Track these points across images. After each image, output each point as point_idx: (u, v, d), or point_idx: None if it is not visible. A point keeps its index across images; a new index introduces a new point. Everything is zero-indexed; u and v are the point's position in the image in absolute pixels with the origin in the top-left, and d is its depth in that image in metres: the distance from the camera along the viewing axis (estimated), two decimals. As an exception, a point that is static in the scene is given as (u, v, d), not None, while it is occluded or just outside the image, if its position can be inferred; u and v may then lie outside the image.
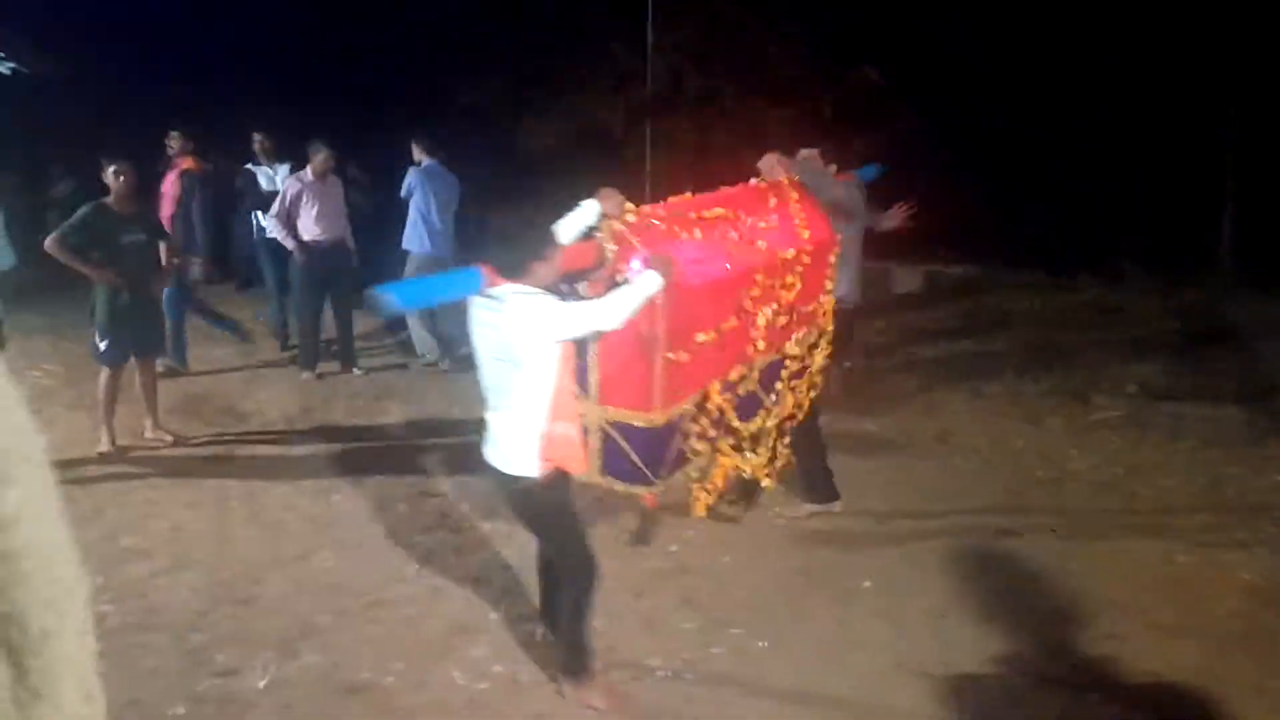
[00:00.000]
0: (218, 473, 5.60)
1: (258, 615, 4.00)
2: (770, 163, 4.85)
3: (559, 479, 3.28)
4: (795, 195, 4.54)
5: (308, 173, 7.55)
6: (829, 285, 4.69)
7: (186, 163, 7.82)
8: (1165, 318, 9.03)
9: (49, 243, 5.58)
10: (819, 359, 4.69)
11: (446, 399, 7.10)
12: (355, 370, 7.80)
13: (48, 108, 12.59)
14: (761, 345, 4.14)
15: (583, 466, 3.43)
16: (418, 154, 8.04)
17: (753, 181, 4.63)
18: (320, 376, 7.61)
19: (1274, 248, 11.36)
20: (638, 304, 3.27)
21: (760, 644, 3.80)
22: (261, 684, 3.50)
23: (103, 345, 5.80)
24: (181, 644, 3.75)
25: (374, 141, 8.99)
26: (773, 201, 4.40)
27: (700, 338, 3.67)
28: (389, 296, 3.15)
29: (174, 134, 8.04)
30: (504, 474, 3.26)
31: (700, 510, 4.38)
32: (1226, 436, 6.10)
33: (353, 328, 7.95)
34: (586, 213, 3.58)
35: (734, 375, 4.01)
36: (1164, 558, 4.52)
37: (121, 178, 5.77)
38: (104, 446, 5.82)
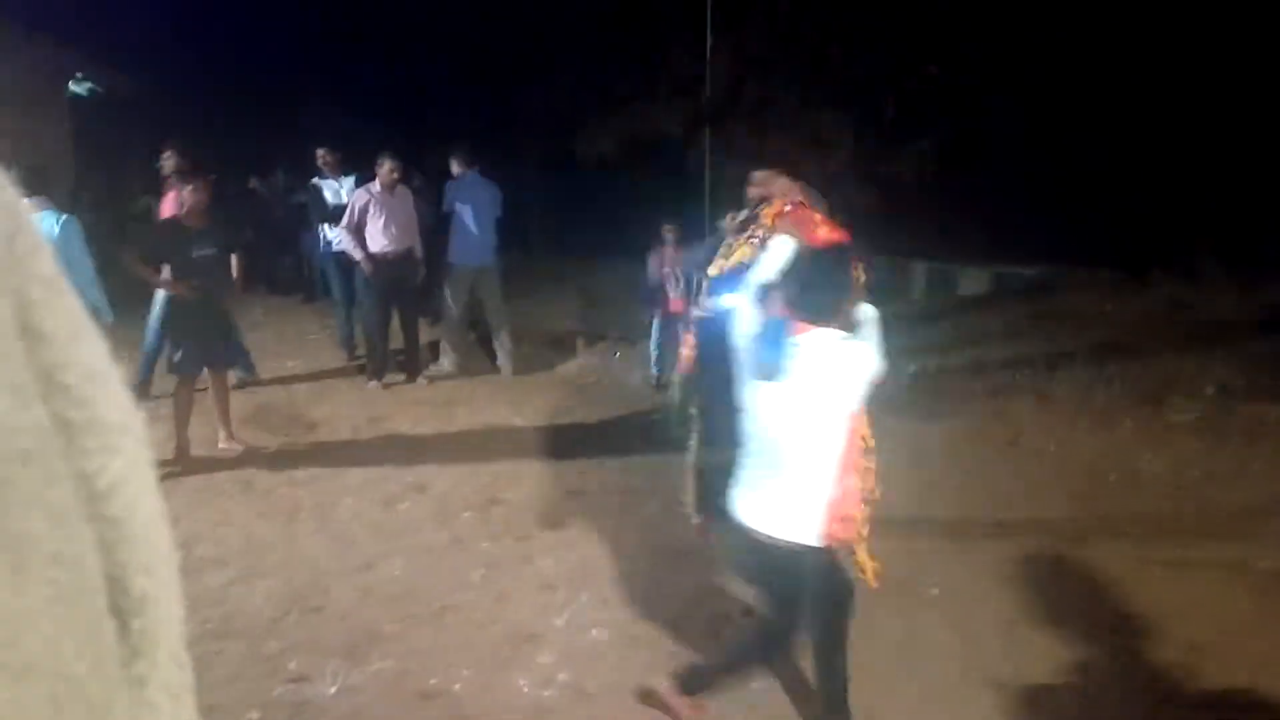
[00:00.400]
0: (288, 482, 5.72)
1: (328, 623, 4.07)
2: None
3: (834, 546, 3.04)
4: None
5: (376, 184, 7.67)
6: None
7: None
8: (1243, 315, 8.75)
9: (124, 256, 5.76)
10: None
11: (511, 407, 7.17)
12: (421, 380, 7.91)
13: (125, 127, 13.00)
14: None
15: (851, 530, 3.15)
16: (456, 167, 8.18)
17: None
18: (387, 386, 7.73)
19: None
20: None
21: (826, 652, 3.77)
22: (332, 690, 3.56)
23: (176, 356, 5.95)
24: (255, 651, 3.84)
25: (437, 151, 9.13)
26: None
27: None
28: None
29: (168, 153, 7.49)
30: (773, 539, 2.96)
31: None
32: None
33: (419, 338, 8.06)
34: None
35: None
36: (1242, 564, 4.38)
37: (194, 192, 5.93)
38: (175, 455, 5.99)
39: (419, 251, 7.92)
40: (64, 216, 5.76)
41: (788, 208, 3.55)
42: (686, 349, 3.98)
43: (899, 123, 10.87)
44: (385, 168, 7.65)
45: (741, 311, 3.19)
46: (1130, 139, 12.18)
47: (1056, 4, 11.49)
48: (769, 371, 2.92)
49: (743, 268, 3.49)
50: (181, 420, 6.02)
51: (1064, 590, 4.20)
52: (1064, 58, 11.89)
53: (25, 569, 0.38)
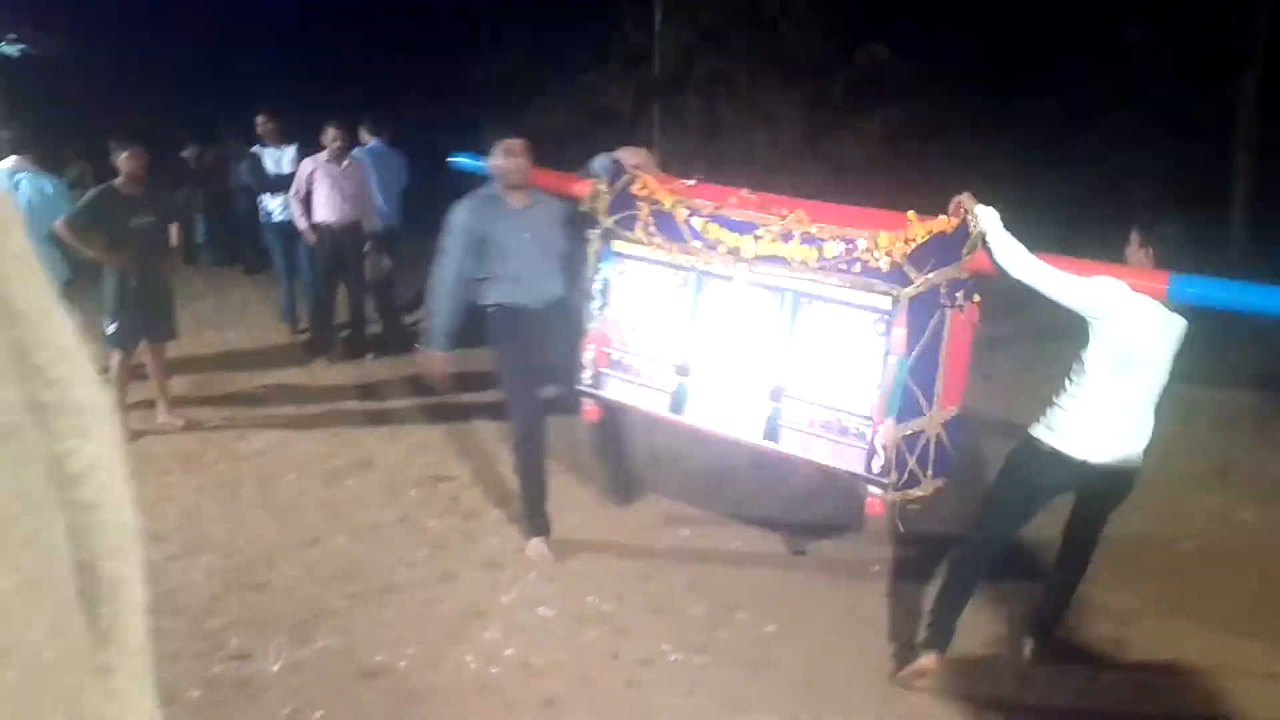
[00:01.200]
0: (230, 457, 5.64)
1: (271, 600, 4.04)
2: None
3: None
4: None
5: (323, 154, 7.56)
6: None
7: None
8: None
9: (58, 226, 5.60)
10: None
11: (459, 383, 7.11)
12: (367, 356, 7.83)
13: (57, 89, 12.61)
14: None
15: None
16: (363, 135, 8.19)
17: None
18: (332, 361, 7.65)
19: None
20: None
21: (768, 628, 3.83)
22: (276, 667, 3.54)
23: (111, 328, 5.82)
24: (196, 628, 3.80)
25: (389, 119, 8.99)
26: None
27: None
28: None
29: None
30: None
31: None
32: (1237, 420, 6.09)
33: (364, 312, 7.97)
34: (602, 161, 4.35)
35: None
36: (1171, 542, 4.52)
37: (129, 159, 5.78)
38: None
39: (369, 223, 7.82)
40: (52, 179, 5.68)
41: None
42: None
43: (848, 102, 10.92)
44: (328, 135, 7.52)
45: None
46: (1072, 122, 12.39)
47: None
48: None
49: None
50: (120, 394, 5.90)
51: (1004, 564, 4.29)
52: (1009, 42, 12.03)
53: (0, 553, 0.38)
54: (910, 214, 3.60)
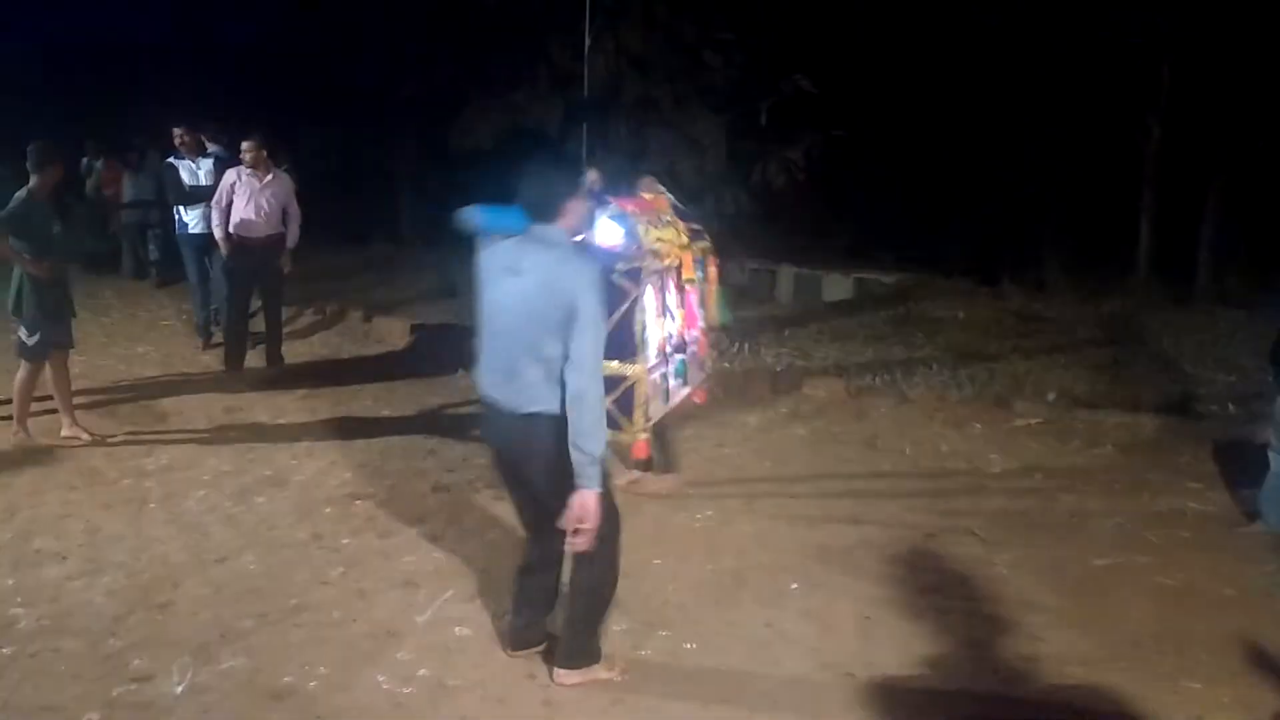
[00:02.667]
0: (136, 473, 5.46)
1: (176, 619, 3.90)
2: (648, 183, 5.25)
3: None
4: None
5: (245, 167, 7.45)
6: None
7: None
8: (1085, 327, 9.28)
9: None
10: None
11: (375, 400, 7.01)
12: (280, 368, 7.67)
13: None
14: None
15: None
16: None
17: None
18: (243, 374, 7.47)
19: (1189, 260, 11.79)
20: None
21: (688, 645, 3.82)
22: (179, 689, 3.41)
23: (33, 339, 5.66)
24: (96, 649, 3.65)
25: (314, 133, 8.88)
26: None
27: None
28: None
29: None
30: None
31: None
32: (1142, 443, 6.29)
33: (281, 325, 7.83)
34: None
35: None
36: (1081, 561, 4.64)
37: (56, 171, 5.72)
38: (21, 442, 5.70)
39: (292, 239, 7.68)
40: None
41: None
42: None
43: (771, 130, 11.10)
44: (246, 147, 7.39)
45: None
46: (985, 159, 12.79)
47: (924, 25, 11.95)
48: None
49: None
50: (27, 406, 5.72)
51: (917, 584, 4.37)
52: (927, 78, 12.39)
53: None
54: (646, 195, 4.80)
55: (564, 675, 3.49)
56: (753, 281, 11.74)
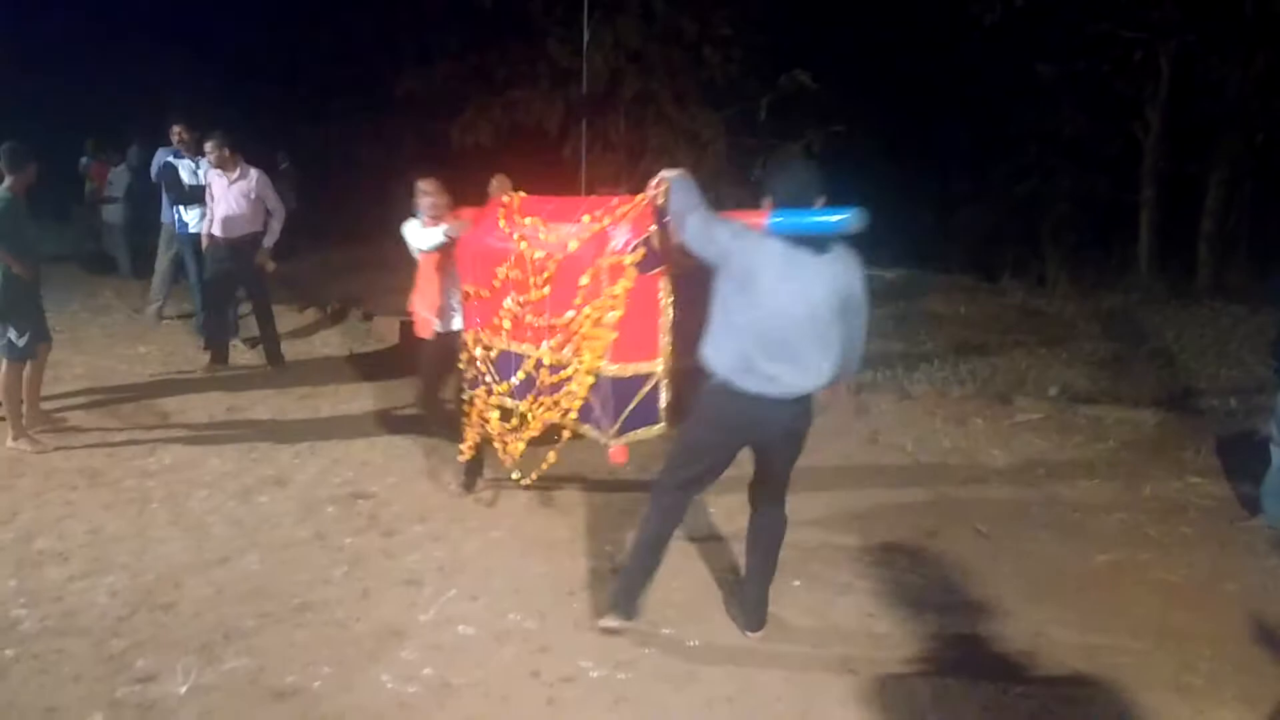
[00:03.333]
0: (138, 473, 5.46)
1: (179, 620, 3.90)
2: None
3: None
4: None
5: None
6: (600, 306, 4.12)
7: None
8: (1086, 322, 9.28)
9: None
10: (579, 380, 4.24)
11: (376, 399, 7.01)
12: (282, 367, 7.67)
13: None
14: (508, 325, 4.56)
15: None
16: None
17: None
18: (218, 373, 7.51)
19: (1189, 256, 11.79)
20: None
21: (691, 643, 3.82)
22: (183, 689, 3.42)
23: (23, 340, 5.69)
24: (100, 649, 3.65)
25: (316, 132, 8.85)
26: (608, 218, 4.13)
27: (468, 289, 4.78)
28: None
29: None
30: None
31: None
32: (1144, 439, 6.29)
33: (272, 324, 7.78)
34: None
35: (485, 338, 4.72)
36: (1083, 557, 4.64)
37: (33, 172, 5.72)
38: (24, 445, 5.71)
39: (269, 238, 7.61)
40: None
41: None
42: None
43: (771, 125, 11.09)
44: (208, 147, 7.37)
45: None
46: (984, 153, 12.77)
47: (923, 19, 11.93)
48: None
49: None
50: (18, 407, 5.74)
51: (919, 580, 4.38)
52: (927, 72, 12.37)
53: None
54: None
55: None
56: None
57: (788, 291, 3.38)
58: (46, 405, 6.11)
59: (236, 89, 13.99)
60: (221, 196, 7.43)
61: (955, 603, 4.18)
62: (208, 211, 7.55)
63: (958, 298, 10.25)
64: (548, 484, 5.08)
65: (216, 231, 7.47)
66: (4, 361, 5.70)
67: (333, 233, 11.89)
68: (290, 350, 8.11)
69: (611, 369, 4.08)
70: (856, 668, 3.65)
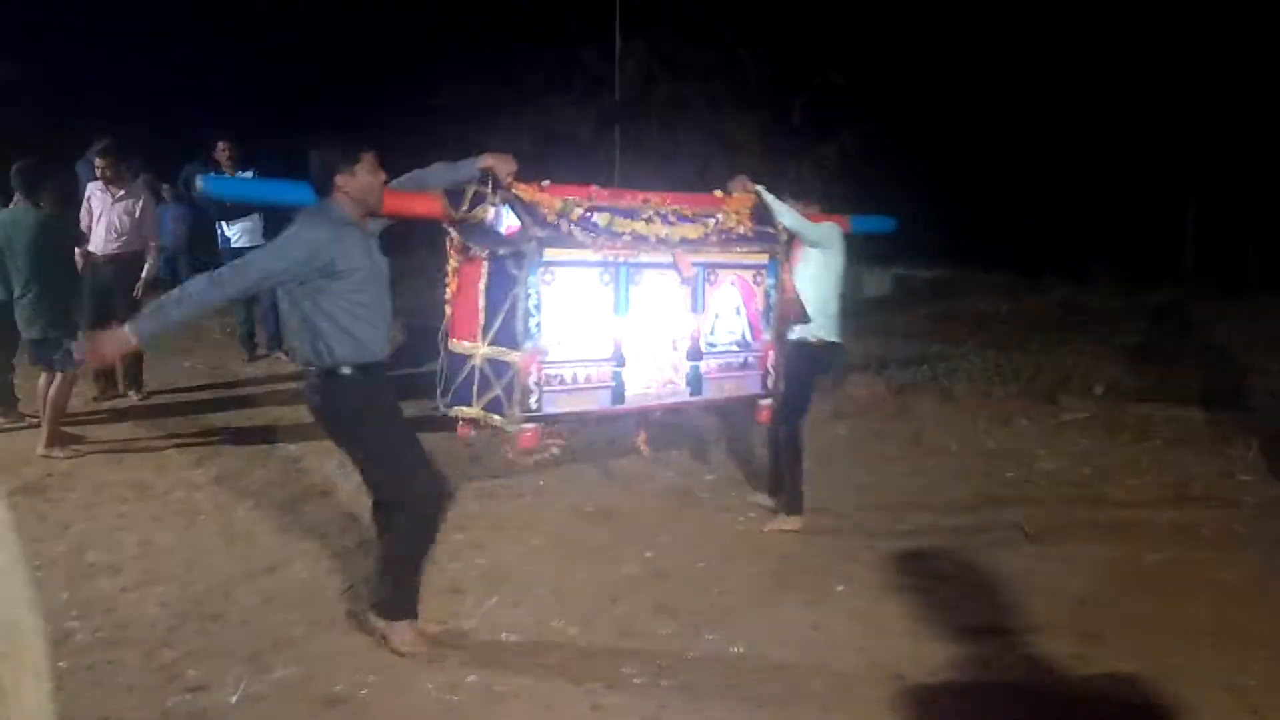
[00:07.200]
0: (186, 485, 5.54)
1: (229, 629, 3.95)
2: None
3: None
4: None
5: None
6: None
7: None
8: (1131, 319, 9.15)
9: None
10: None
11: (419, 408, 7.05)
12: (133, 393, 7.25)
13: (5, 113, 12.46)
14: None
15: None
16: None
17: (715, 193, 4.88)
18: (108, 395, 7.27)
19: (1236, 251, 11.58)
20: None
21: (735, 649, 3.81)
22: (234, 699, 3.45)
23: (80, 351, 5.82)
24: (151, 660, 3.70)
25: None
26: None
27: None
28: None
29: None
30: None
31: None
32: (1192, 436, 6.19)
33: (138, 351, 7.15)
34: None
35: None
36: (1134, 557, 4.57)
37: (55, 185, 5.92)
38: (56, 452, 5.85)
39: (149, 256, 7.18)
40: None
41: None
42: None
43: (805, 127, 11.05)
44: (98, 163, 6.98)
45: None
46: (1027, 149, 12.62)
47: (959, 17, 11.83)
48: None
49: None
50: (59, 416, 5.87)
51: (965, 583, 4.33)
52: (964, 70, 12.25)
53: None
54: (717, 193, 4.77)
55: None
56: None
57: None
58: (93, 421, 6.22)
59: (266, 108, 14.17)
60: (104, 214, 7.02)
61: (1003, 605, 4.13)
62: (92, 228, 7.03)
63: (998, 296, 10.15)
64: (586, 492, 5.09)
65: (95, 248, 6.98)
66: (56, 374, 5.82)
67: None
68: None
69: (451, 345, 4.39)
70: (904, 672, 3.62)
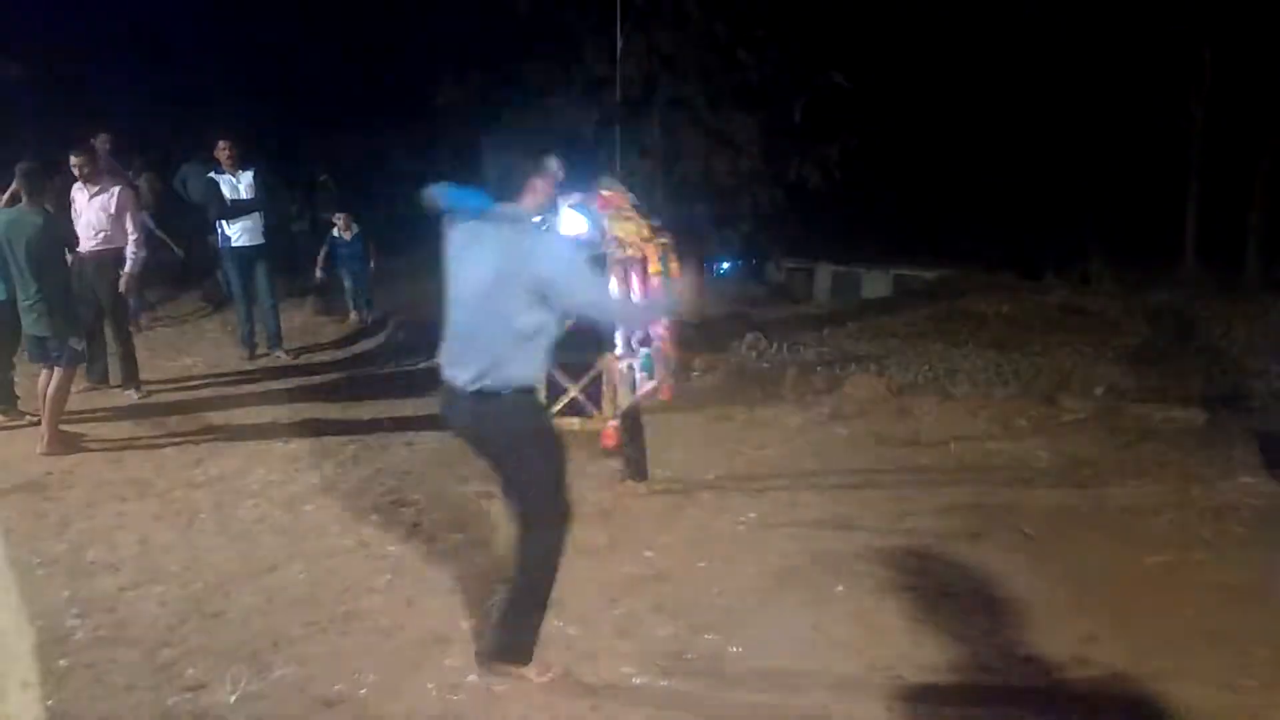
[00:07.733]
0: (186, 484, 5.54)
1: (228, 628, 3.96)
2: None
3: None
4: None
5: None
6: None
7: None
8: (1131, 319, 9.15)
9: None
10: None
11: (416, 408, 7.06)
12: (134, 392, 7.34)
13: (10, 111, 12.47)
14: None
15: None
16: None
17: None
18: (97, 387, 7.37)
19: (1236, 251, 11.59)
20: None
21: (734, 649, 3.80)
22: (232, 698, 3.46)
23: (83, 346, 5.91)
24: (150, 659, 3.70)
25: (353, 144, 8.96)
26: None
27: None
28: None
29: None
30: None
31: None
32: (1192, 438, 6.18)
33: (129, 345, 7.49)
34: None
35: None
36: (1133, 559, 4.56)
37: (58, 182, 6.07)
38: (57, 449, 5.87)
39: (130, 252, 7.17)
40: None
41: None
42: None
43: (806, 128, 11.05)
44: (74, 161, 7.06)
45: None
46: (1027, 150, 12.62)
47: (960, 21, 11.83)
48: None
49: None
50: (59, 412, 5.90)
51: (965, 585, 4.32)
52: (967, 72, 12.25)
53: None
54: None
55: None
56: (790, 280, 11.71)
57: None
58: (93, 419, 6.23)
59: (270, 106, 14.17)
60: (81, 212, 7.13)
61: (1002, 606, 4.13)
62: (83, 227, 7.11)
63: (998, 296, 10.14)
64: (585, 491, 5.09)
65: (82, 246, 7.06)
66: (57, 370, 5.83)
67: (372, 243, 12.01)
68: (332, 360, 8.22)
69: None
70: (903, 673, 3.62)
